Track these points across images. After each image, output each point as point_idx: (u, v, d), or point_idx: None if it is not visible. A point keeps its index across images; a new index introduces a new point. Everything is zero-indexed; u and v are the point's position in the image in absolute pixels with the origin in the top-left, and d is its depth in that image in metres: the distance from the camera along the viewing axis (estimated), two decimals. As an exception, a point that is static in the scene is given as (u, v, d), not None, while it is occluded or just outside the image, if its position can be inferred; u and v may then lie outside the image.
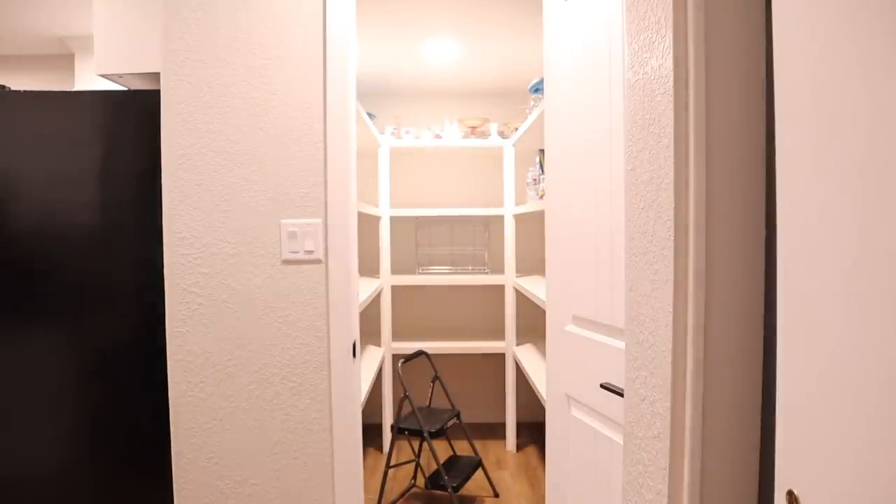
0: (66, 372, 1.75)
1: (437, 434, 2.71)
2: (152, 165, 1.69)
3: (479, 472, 3.07)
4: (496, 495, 2.89)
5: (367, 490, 2.79)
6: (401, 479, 3.10)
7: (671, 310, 1.00)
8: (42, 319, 1.73)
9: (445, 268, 3.83)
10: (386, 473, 2.85)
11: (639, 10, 1.11)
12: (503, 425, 3.49)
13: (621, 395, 1.26)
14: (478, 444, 3.51)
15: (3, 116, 1.71)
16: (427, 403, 3.12)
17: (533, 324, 3.83)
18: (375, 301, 3.49)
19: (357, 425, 1.79)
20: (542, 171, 2.97)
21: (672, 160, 1.00)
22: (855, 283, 0.61)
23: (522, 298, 3.75)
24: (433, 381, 3.06)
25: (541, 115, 2.43)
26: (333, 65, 1.67)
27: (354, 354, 1.76)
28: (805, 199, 0.70)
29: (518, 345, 3.40)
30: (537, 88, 2.91)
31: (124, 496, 1.77)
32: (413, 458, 3.02)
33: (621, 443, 1.23)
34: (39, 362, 1.74)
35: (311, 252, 1.66)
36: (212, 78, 1.65)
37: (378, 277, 3.43)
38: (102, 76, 1.81)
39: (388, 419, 3.47)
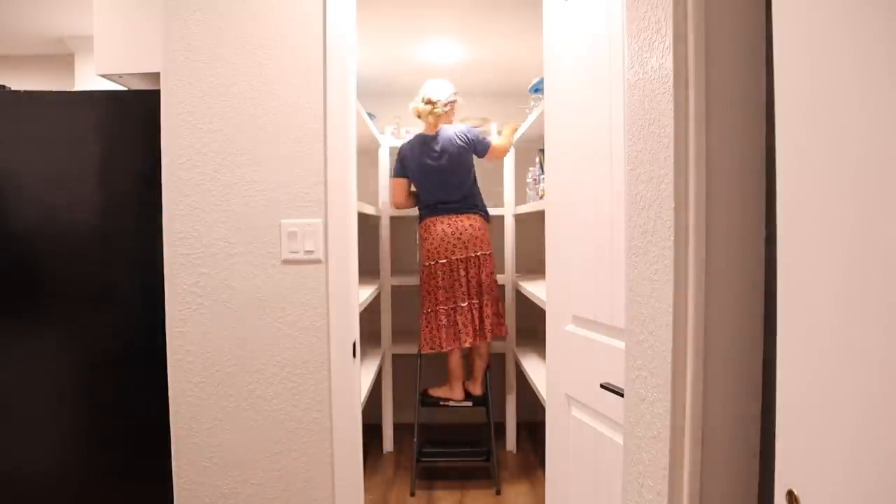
0: (65, 372, 1.75)
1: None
2: (152, 165, 1.69)
3: (479, 472, 3.08)
4: (498, 493, 2.89)
5: (367, 490, 2.79)
6: (401, 483, 3.10)
7: (671, 310, 1.00)
8: (42, 319, 1.73)
9: (445, 268, 3.82)
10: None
11: (639, 10, 1.11)
12: (503, 425, 3.48)
13: (621, 395, 1.26)
14: (478, 444, 3.51)
15: (3, 116, 1.71)
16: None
17: (533, 324, 3.83)
18: (375, 301, 3.48)
19: (357, 425, 1.79)
20: (542, 171, 2.97)
21: (672, 160, 1.00)
22: (854, 283, 0.61)
23: (522, 298, 3.75)
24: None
25: (541, 115, 2.43)
26: (333, 65, 1.67)
27: (354, 354, 1.76)
28: (805, 198, 0.70)
29: (518, 345, 3.40)
30: (537, 88, 2.91)
31: (124, 496, 1.77)
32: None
33: (621, 443, 1.23)
34: (39, 362, 1.74)
35: (311, 252, 1.66)
36: (212, 78, 1.65)
37: (378, 277, 3.43)
38: (102, 76, 1.81)
39: (388, 419, 3.47)
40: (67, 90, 1.77)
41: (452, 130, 3.00)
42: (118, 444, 1.76)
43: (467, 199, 3.02)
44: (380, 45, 2.99)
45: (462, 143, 2.98)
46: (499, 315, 3.08)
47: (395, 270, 3.60)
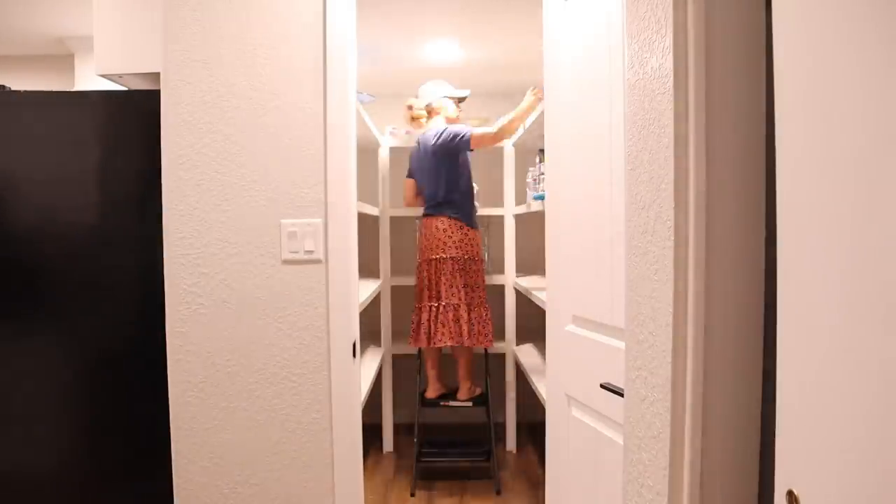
0: (66, 372, 1.75)
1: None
2: (152, 165, 1.69)
3: (479, 472, 3.08)
4: (498, 493, 2.89)
5: (367, 490, 2.79)
6: (401, 483, 3.10)
7: (671, 310, 1.00)
8: (42, 319, 1.73)
9: (445, 268, 3.82)
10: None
11: (639, 10, 1.11)
12: (503, 425, 3.48)
13: (621, 395, 1.26)
14: (478, 444, 3.51)
15: (3, 116, 1.71)
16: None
17: (533, 324, 3.82)
18: (375, 301, 3.48)
19: (357, 425, 1.79)
20: (542, 171, 2.97)
21: (672, 160, 1.00)
22: (854, 283, 0.61)
23: (522, 298, 3.74)
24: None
25: (541, 115, 2.43)
26: (333, 65, 1.67)
27: (354, 354, 1.76)
28: (805, 198, 0.70)
29: (518, 345, 3.40)
30: (537, 88, 2.91)
31: (124, 496, 1.77)
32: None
33: (621, 443, 1.23)
34: (39, 362, 1.74)
35: (311, 252, 1.66)
36: (212, 78, 1.65)
37: (378, 277, 3.43)
38: (102, 76, 1.81)
39: (388, 419, 3.47)
40: (67, 90, 1.77)
41: (433, 130, 3.02)
42: (118, 444, 1.76)
43: (447, 200, 2.98)
44: (380, 45, 2.99)
45: (438, 143, 2.96)
46: (483, 323, 2.98)
47: (395, 270, 3.59)
